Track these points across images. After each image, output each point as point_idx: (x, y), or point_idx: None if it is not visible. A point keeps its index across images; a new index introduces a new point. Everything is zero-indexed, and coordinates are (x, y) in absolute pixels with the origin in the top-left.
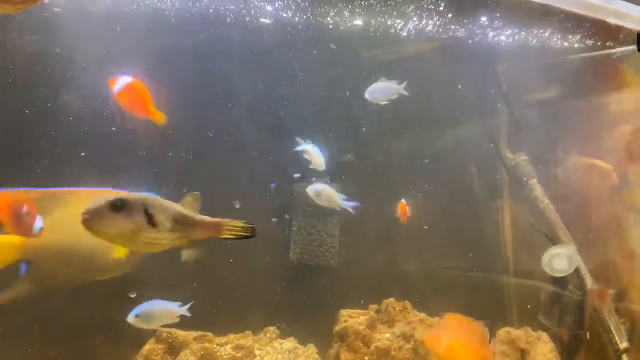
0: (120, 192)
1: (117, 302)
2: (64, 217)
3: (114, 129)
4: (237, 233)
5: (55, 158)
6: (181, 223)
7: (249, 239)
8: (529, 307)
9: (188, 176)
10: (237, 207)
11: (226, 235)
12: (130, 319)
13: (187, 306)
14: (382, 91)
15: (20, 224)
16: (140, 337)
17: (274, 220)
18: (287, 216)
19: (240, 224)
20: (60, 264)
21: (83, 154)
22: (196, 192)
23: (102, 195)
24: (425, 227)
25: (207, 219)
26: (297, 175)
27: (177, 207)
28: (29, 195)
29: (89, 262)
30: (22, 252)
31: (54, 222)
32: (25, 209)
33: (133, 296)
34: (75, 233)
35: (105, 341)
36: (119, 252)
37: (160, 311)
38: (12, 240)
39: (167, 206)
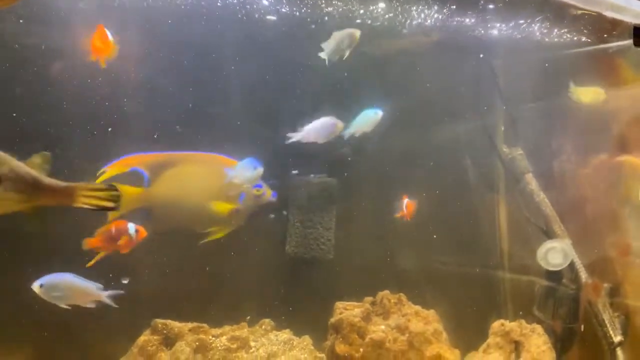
0: (227, 158)
1: (110, 289)
2: (175, 176)
3: None
4: (96, 202)
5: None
6: (24, 183)
7: (112, 210)
8: (523, 300)
9: None
10: None
11: (82, 203)
12: (35, 286)
13: (109, 292)
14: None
15: (116, 245)
16: (135, 328)
17: (271, 214)
18: (284, 212)
19: (100, 187)
20: (172, 212)
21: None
22: (46, 153)
23: (208, 158)
24: (422, 222)
25: (58, 182)
26: (294, 172)
27: (20, 166)
28: (143, 159)
29: (195, 214)
30: (143, 201)
31: (167, 179)
32: (113, 230)
33: (125, 282)
34: (184, 188)
35: (99, 331)
36: (220, 208)
37: (71, 288)
38: (135, 190)
39: (7, 163)
